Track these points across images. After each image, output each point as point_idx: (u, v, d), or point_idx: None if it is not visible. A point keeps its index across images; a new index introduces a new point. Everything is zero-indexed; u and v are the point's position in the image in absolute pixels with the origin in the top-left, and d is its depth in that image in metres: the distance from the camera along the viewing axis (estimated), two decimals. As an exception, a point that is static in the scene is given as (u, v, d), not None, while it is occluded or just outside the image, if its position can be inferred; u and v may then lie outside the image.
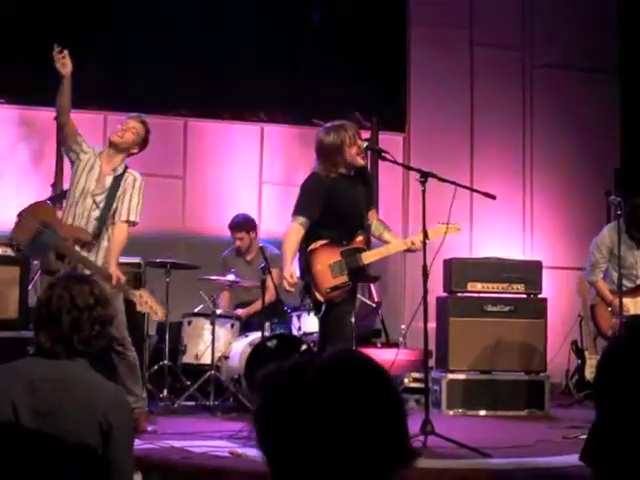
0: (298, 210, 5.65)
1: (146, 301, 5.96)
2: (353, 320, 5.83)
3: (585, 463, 3.28)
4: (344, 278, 5.56)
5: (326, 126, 5.70)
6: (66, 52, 5.57)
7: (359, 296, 7.06)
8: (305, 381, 1.51)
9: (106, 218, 5.92)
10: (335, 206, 5.60)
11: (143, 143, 6.05)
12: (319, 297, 5.52)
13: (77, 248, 5.82)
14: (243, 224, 8.15)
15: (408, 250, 5.80)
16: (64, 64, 5.54)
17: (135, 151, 6.05)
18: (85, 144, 5.94)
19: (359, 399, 1.50)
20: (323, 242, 5.60)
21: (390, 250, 5.91)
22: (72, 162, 5.98)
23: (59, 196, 6.10)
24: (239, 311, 7.99)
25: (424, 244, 5.52)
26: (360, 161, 5.64)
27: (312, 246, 5.61)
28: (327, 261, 5.57)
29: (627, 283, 7.23)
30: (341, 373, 1.53)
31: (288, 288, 5.57)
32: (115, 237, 5.95)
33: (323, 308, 5.52)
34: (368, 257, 5.68)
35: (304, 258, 5.66)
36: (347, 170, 5.66)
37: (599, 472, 3.01)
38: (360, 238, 5.70)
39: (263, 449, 1.54)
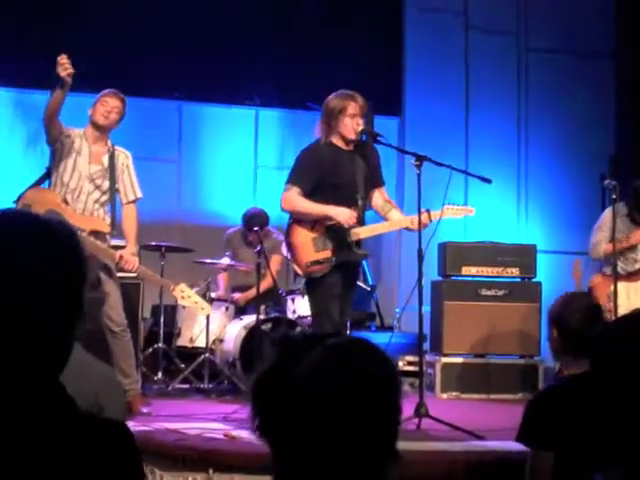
0: (293, 180, 5.54)
1: (189, 295, 5.94)
2: (349, 305, 5.74)
3: (524, 444, 3.30)
4: (327, 253, 5.46)
5: (338, 91, 5.59)
6: (65, 57, 5.39)
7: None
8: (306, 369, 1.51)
9: (107, 199, 5.92)
10: (326, 175, 5.51)
11: (121, 120, 6.04)
12: (298, 270, 5.48)
13: (92, 239, 5.75)
14: (261, 220, 7.83)
15: (407, 228, 5.64)
16: (65, 68, 5.41)
17: (115, 128, 6.04)
18: (65, 128, 5.86)
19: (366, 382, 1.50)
20: None
21: (385, 227, 5.81)
22: (55, 149, 5.88)
23: (43, 176, 5.99)
24: (235, 295, 7.96)
25: (419, 226, 5.43)
26: (352, 135, 5.50)
27: (296, 217, 5.56)
28: (310, 234, 5.50)
29: (627, 267, 7.17)
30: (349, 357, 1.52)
31: (352, 221, 5.43)
32: (130, 219, 6.01)
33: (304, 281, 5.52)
34: (358, 233, 5.52)
35: (287, 229, 5.62)
36: (345, 143, 5.58)
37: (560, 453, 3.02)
38: None
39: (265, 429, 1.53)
